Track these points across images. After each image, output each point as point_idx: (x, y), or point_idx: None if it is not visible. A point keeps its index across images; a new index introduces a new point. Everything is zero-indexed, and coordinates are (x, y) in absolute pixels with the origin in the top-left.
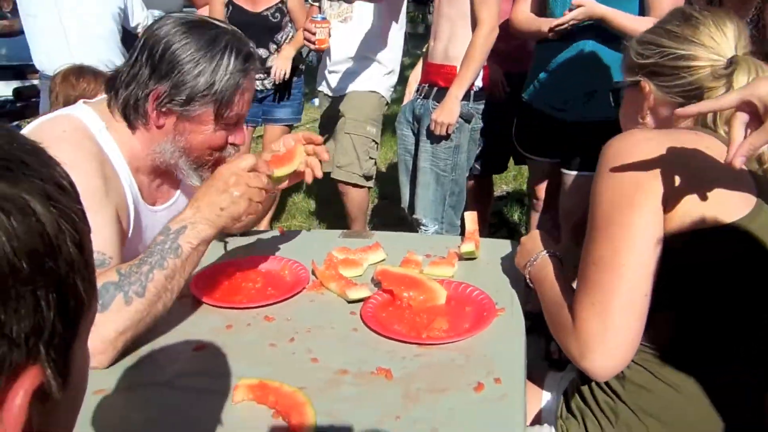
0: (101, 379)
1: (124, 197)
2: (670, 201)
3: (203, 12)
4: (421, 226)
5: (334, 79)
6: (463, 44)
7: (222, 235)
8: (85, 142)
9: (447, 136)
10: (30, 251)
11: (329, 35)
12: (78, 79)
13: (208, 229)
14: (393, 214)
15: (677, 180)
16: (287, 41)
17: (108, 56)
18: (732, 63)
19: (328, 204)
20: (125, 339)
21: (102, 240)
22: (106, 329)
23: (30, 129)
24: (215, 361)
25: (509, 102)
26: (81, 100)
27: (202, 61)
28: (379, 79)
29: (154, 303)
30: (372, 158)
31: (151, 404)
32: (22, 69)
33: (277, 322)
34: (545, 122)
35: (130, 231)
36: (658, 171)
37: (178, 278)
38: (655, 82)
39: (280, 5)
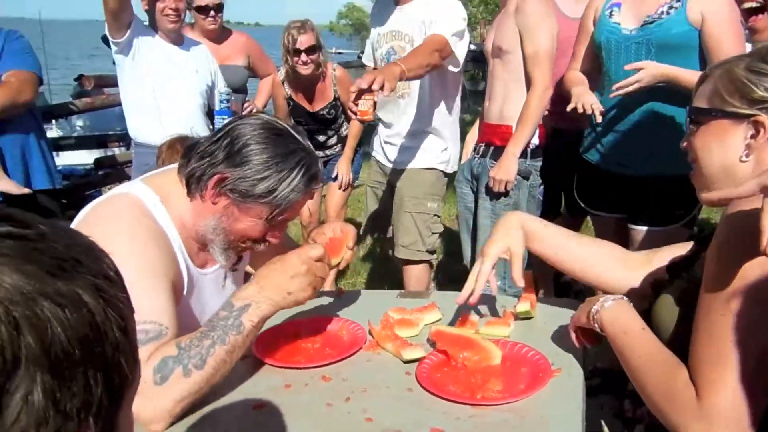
0: None
1: (177, 265)
2: None
3: (265, 83)
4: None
5: (390, 151)
6: (517, 104)
7: None
8: (142, 219)
9: (506, 193)
10: (81, 338)
11: (374, 107)
12: (182, 147)
13: (270, 308)
14: (457, 270)
15: None
16: (343, 125)
17: (195, 127)
18: None
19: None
20: (182, 407)
21: (159, 311)
22: (165, 400)
23: (92, 206)
24: (273, 420)
25: (561, 152)
26: (140, 177)
27: (272, 169)
28: (436, 155)
29: (213, 375)
30: (435, 233)
31: None
32: (104, 139)
33: (334, 382)
34: (608, 178)
35: (184, 294)
36: None
37: (238, 352)
38: None
39: (334, 102)
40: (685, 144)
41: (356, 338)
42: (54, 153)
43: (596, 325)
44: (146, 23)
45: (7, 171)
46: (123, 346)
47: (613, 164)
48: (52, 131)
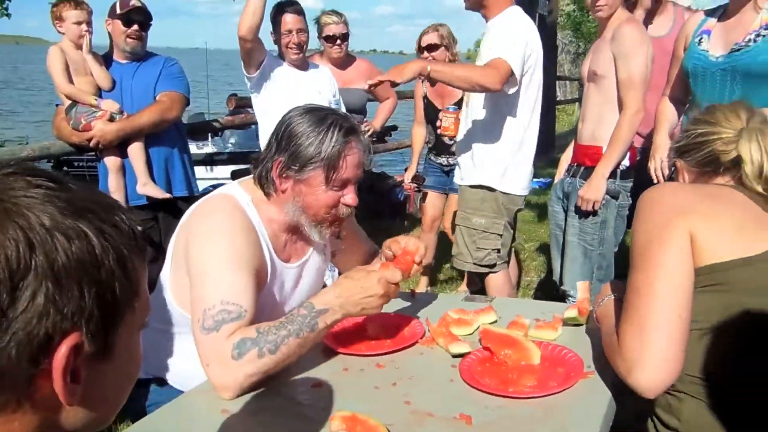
0: (229, 403)
1: (263, 257)
2: (696, 237)
3: (384, 106)
4: (569, 298)
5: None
6: (609, 126)
7: None
8: (235, 214)
9: (594, 212)
10: (79, 261)
11: (454, 124)
12: None
13: (343, 316)
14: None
15: (701, 218)
16: None
17: None
18: (741, 132)
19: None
20: (252, 382)
21: (241, 294)
22: (237, 373)
23: (198, 204)
24: (326, 397)
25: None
26: (236, 180)
27: (311, 135)
28: (490, 172)
29: (283, 360)
30: (484, 248)
31: (265, 425)
32: (250, 154)
33: (386, 369)
34: None
35: (267, 283)
36: (683, 211)
37: (307, 345)
38: (684, 159)
39: (460, 99)
40: None
41: (414, 333)
42: (209, 167)
43: (595, 316)
44: (276, 54)
45: (154, 178)
46: (118, 275)
47: None
48: (209, 147)
